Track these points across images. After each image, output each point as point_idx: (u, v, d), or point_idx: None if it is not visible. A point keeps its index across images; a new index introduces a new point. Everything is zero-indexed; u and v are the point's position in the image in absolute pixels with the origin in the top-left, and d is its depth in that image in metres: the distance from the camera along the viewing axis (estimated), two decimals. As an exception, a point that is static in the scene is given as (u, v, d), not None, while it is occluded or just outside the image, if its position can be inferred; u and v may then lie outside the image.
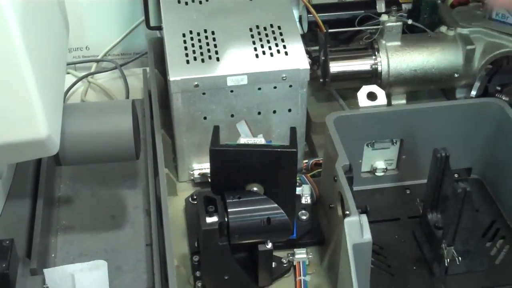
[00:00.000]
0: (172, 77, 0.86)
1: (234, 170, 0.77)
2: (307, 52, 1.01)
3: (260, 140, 0.79)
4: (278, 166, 0.76)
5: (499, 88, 0.94)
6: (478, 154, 0.91)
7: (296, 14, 1.09)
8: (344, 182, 0.76)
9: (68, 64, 1.20)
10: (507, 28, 0.99)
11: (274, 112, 0.91)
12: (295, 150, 0.75)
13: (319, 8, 1.07)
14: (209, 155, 0.75)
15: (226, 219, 0.74)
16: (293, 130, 0.77)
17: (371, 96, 0.87)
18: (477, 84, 0.95)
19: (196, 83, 0.87)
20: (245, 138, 0.79)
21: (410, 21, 0.99)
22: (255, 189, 0.78)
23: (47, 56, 0.76)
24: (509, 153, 0.85)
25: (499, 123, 0.87)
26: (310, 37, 1.08)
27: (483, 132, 0.89)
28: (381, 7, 1.06)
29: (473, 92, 0.95)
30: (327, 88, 1.01)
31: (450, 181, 0.78)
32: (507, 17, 0.99)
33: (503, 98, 0.92)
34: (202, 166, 0.93)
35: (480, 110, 0.88)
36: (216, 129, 0.78)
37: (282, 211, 0.76)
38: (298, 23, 1.10)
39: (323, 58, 0.98)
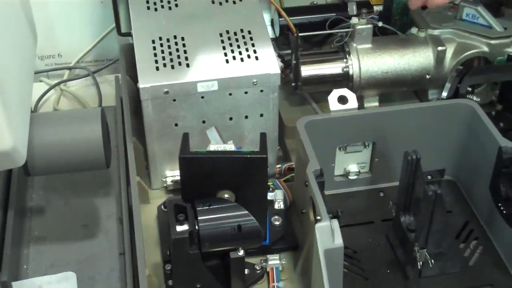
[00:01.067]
0: (141, 84, 0.86)
1: (204, 177, 0.76)
2: (280, 56, 1.01)
3: (230, 146, 0.78)
4: (248, 172, 0.75)
5: (470, 89, 0.94)
6: (451, 155, 0.91)
7: (268, 18, 1.09)
8: (315, 187, 0.76)
9: (40, 72, 1.19)
10: (478, 28, 0.99)
11: (246, 117, 0.90)
12: (264, 156, 0.75)
13: (291, 11, 1.07)
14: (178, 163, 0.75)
15: (196, 227, 0.73)
16: (263, 136, 0.77)
17: (342, 99, 0.87)
18: (448, 85, 0.95)
19: (166, 89, 0.86)
20: (215, 145, 0.78)
21: (380, 24, 0.99)
22: (226, 196, 0.77)
23: (10, 65, 0.75)
24: (481, 154, 0.85)
25: (470, 124, 0.87)
26: (282, 41, 1.08)
27: (455, 133, 0.89)
28: (352, 9, 1.07)
29: (444, 94, 0.95)
30: (299, 92, 1.00)
31: (421, 183, 0.78)
32: (477, 18, 1.00)
33: (474, 99, 0.92)
34: (174, 173, 0.92)
35: (451, 112, 0.88)
36: (185, 137, 0.77)
37: (253, 217, 0.75)
38: (270, 27, 1.09)
39: (294, 62, 0.98)
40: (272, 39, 1.02)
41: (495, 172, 0.82)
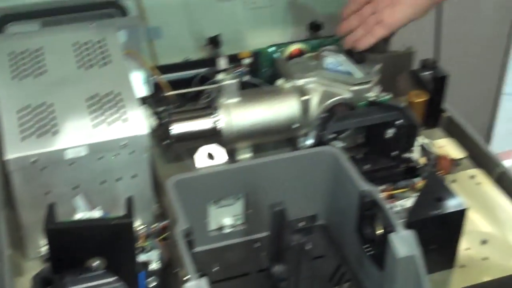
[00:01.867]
0: (8, 156, 0.85)
1: (73, 246, 0.76)
2: (156, 113, 1.02)
3: (97, 213, 0.79)
4: (115, 238, 0.75)
5: (333, 136, 0.98)
6: (322, 201, 0.94)
7: (141, 76, 1.10)
8: (182, 246, 0.77)
9: None
10: (340, 76, 1.03)
11: (119, 180, 0.91)
12: (129, 221, 0.75)
13: (165, 68, 1.09)
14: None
15: (64, 300, 0.73)
16: (128, 200, 0.77)
17: (210, 155, 0.89)
18: (313, 133, 0.99)
19: (34, 159, 0.85)
20: (82, 213, 0.79)
21: (246, 78, 1.02)
22: (96, 263, 0.77)
23: None
24: (346, 198, 0.88)
25: (334, 170, 0.90)
26: (157, 98, 1.10)
27: (322, 180, 0.92)
28: (221, 64, 1.09)
29: (310, 141, 0.98)
30: (171, 150, 1.02)
31: (287, 233, 0.81)
32: (339, 65, 1.04)
33: (338, 145, 0.96)
34: (49, 242, 0.91)
35: (316, 159, 0.91)
36: (50, 207, 0.76)
37: (122, 283, 0.75)
38: (143, 86, 1.11)
39: (165, 120, 1.00)
40: (147, 97, 1.04)
41: (359, 215, 0.85)
